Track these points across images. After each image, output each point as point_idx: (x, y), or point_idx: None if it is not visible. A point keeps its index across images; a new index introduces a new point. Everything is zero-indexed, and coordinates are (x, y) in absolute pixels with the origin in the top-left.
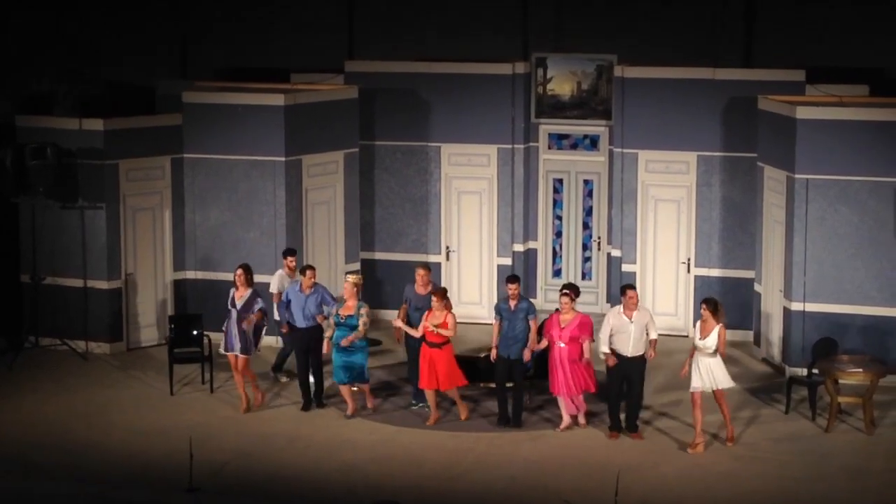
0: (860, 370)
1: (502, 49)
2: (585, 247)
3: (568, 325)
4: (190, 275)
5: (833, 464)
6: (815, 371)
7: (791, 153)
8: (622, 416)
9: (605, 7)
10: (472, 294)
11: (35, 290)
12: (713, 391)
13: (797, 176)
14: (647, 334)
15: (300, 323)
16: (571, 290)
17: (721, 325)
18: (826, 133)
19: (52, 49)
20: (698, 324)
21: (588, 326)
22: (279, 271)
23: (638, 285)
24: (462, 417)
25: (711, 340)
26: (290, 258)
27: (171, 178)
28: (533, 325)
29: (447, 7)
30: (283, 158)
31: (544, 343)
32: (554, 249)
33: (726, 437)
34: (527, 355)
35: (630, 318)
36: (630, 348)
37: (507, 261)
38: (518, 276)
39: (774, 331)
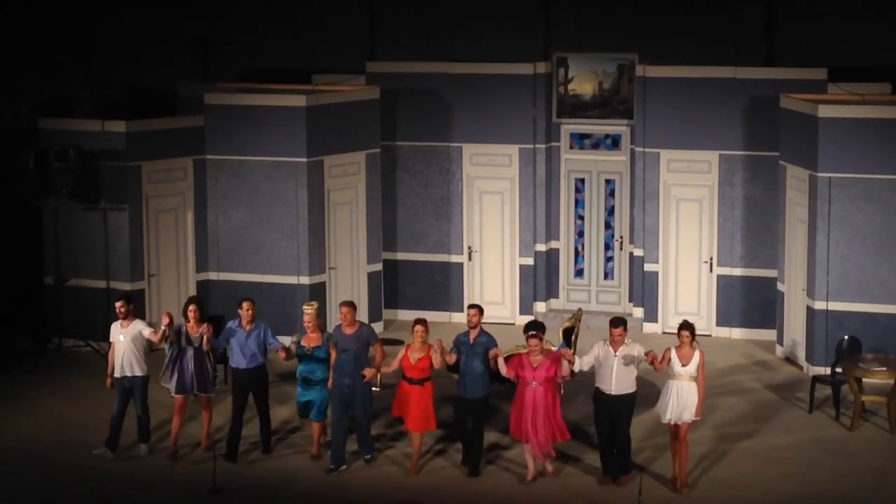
0: (884, 369)
1: (523, 49)
2: (607, 246)
3: (541, 364)
4: (213, 276)
5: (857, 463)
6: (839, 370)
7: (813, 152)
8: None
9: (626, 6)
10: (494, 294)
11: (58, 291)
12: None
13: (820, 174)
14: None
15: (240, 363)
16: (539, 331)
17: (700, 350)
18: (848, 131)
19: (73, 53)
20: (673, 350)
21: (558, 360)
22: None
23: (660, 285)
24: (412, 472)
25: (692, 367)
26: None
27: (193, 179)
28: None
29: (468, 8)
30: (304, 159)
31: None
32: (576, 249)
33: (680, 481)
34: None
35: (614, 352)
36: (612, 385)
37: (530, 261)
38: (479, 306)
39: (797, 330)
